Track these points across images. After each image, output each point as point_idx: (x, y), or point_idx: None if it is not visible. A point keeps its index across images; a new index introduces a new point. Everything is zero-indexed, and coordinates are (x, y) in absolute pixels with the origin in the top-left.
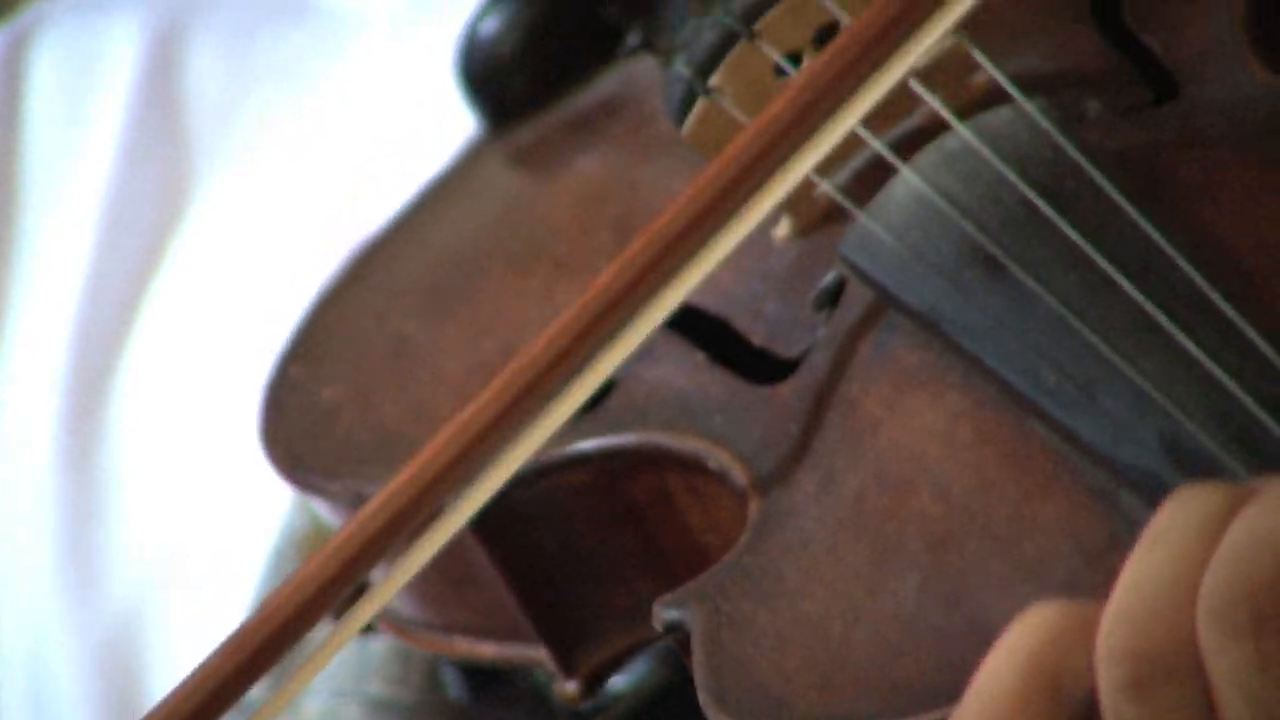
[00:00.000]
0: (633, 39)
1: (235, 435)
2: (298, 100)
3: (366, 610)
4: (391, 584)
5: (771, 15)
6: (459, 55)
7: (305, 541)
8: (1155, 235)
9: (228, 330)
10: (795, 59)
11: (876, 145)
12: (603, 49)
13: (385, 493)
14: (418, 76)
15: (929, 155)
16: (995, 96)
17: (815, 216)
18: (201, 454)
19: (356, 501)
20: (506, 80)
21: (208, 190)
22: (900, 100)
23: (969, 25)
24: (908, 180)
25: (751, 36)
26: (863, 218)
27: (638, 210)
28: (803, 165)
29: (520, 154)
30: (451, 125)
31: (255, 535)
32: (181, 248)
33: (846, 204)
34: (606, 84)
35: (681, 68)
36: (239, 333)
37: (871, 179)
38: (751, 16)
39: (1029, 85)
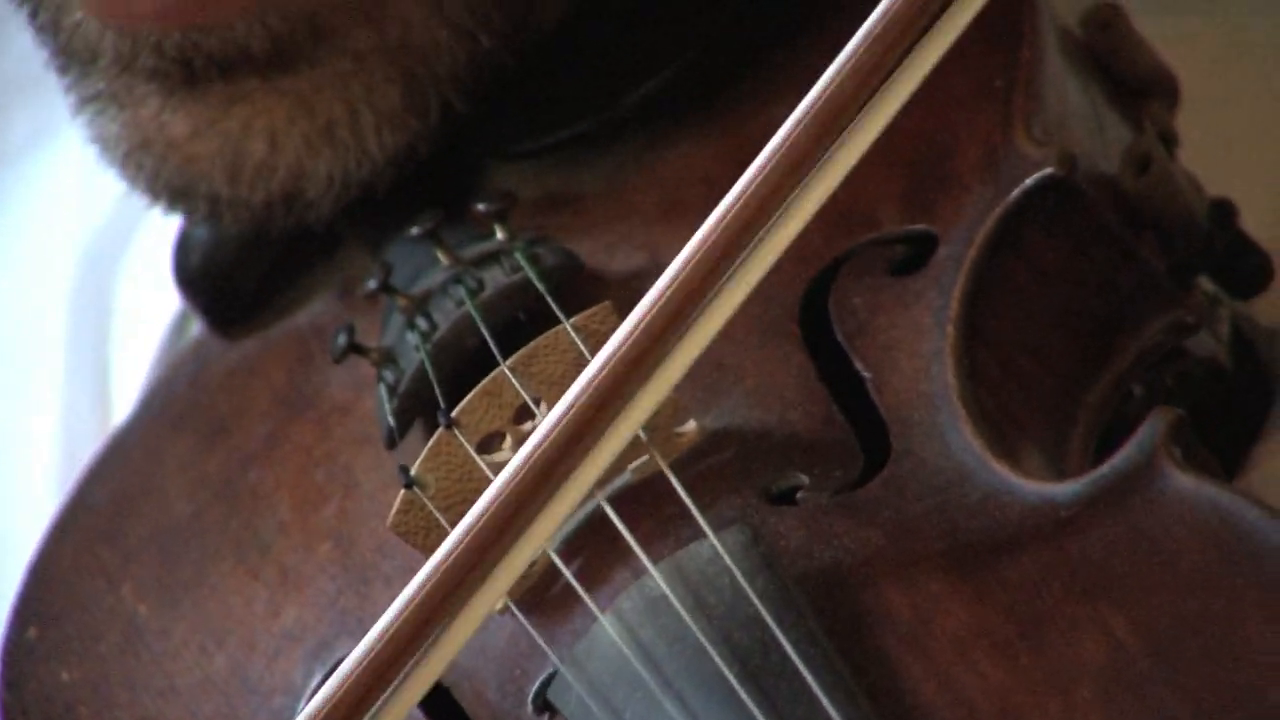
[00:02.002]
0: (341, 340)
1: None
2: (31, 179)
3: None
4: None
5: (469, 400)
6: (175, 255)
7: None
8: None
9: None
10: (498, 436)
11: (574, 582)
12: (325, 248)
13: None
14: None
15: (632, 599)
16: (704, 448)
17: (530, 587)
18: None
19: None
20: (227, 281)
21: None
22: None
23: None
24: (608, 632)
25: (450, 425)
26: (566, 672)
27: (356, 520)
28: (510, 572)
29: (246, 384)
30: None
31: None
32: None
33: (544, 646)
34: (327, 310)
35: (385, 398)
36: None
37: (592, 546)
38: (448, 367)
39: (736, 451)
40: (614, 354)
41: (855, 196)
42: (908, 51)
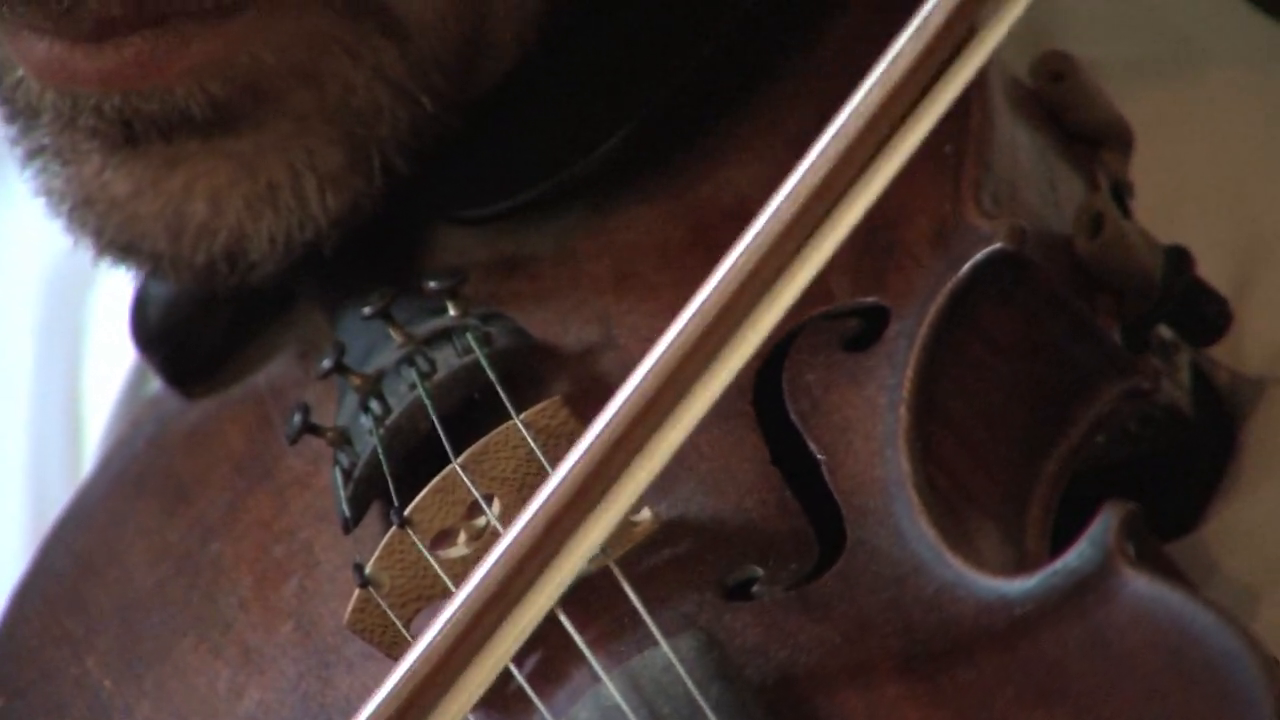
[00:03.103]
0: (296, 420)
1: None
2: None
3: None
4: None
5: (422, 498)
6: (132, 310)
7: None
8: None
9: None
10: (453, 533)
11: (529, 689)
12: (283, 305)
13: None
14: None
15: (586, 708)
16: (659, 538)
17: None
18: None
19: None
20: (184, 338)
21: None
22: None
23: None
24: None
25: (403, 524)
26: None
27: (317, 600)
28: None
29: (204, 449)
30: None
31: None
32: None
33: None
34: (286, 374)
35: (339, 484)
36: None
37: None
38: (401, 453)
39: (690, 545)
40: (571, 472)
41: None
42: (886, 141)
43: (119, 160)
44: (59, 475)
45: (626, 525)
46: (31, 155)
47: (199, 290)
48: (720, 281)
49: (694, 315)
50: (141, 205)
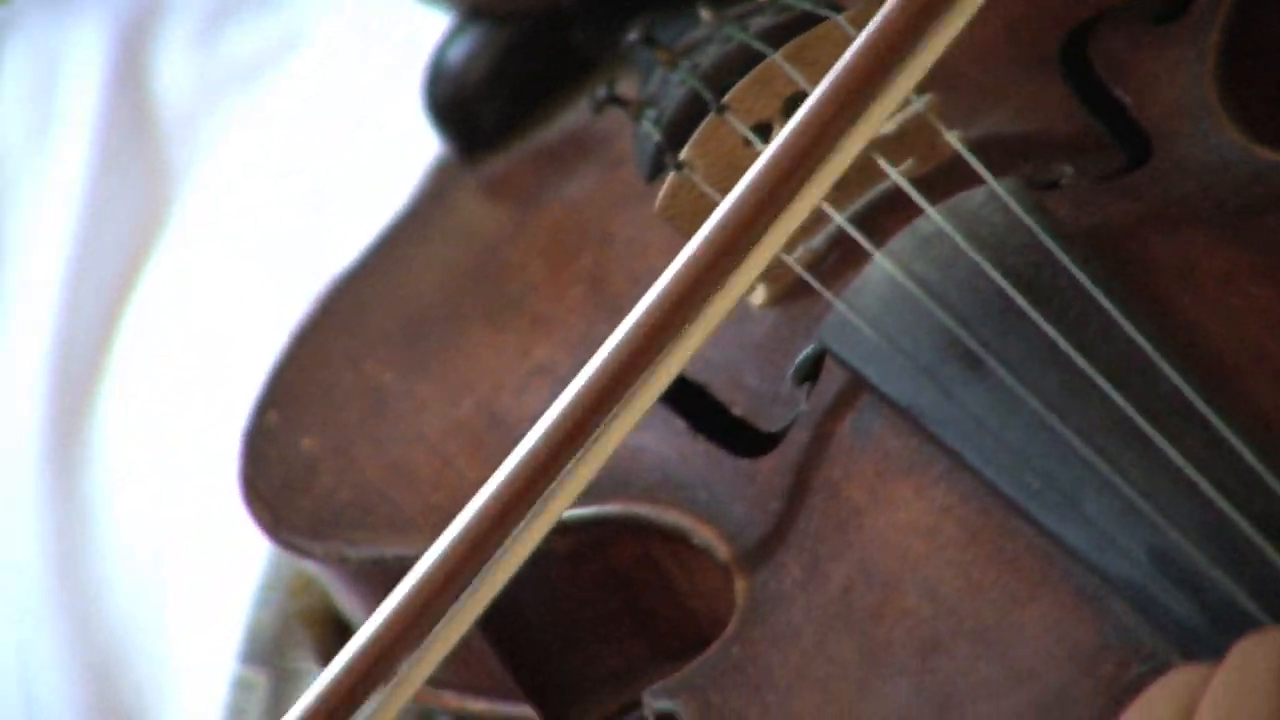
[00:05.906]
0: (601, 92)
1: (222, 455)
2: (267, 96)
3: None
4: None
5: (739, 87)
6: (426, 83)
7: (292, 575)
8: (1136, 334)
9: (210, 343)
10: (764, 129)
11: (846, 226)
12: (570, 75)
13: (408, 589)
14: (383, 60)
15: (904, 239)
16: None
17: (792, 282)
18: (188, 472)
19: (341, 563)
20: (474, 108)
21: (184, 195)
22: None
23: (935, 86)
24: (883, 266)
25: (720, 110)
26: (840, 306)
27: (610, 264)
28: (781, 234)
29: (492, 192)
30: (417, 112)
31: (241, 559)
32: (161, 257)
33: (820, 288)
34: (576, 120)
35: (650, 127)
36: (221, 346)
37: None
38: (719, 86)
39: (1001, 152)
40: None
41: None
42: None
43: None
44: None
45: (935, 141)
46: None
47: (491, 59)
48: None
49: None
50: None
